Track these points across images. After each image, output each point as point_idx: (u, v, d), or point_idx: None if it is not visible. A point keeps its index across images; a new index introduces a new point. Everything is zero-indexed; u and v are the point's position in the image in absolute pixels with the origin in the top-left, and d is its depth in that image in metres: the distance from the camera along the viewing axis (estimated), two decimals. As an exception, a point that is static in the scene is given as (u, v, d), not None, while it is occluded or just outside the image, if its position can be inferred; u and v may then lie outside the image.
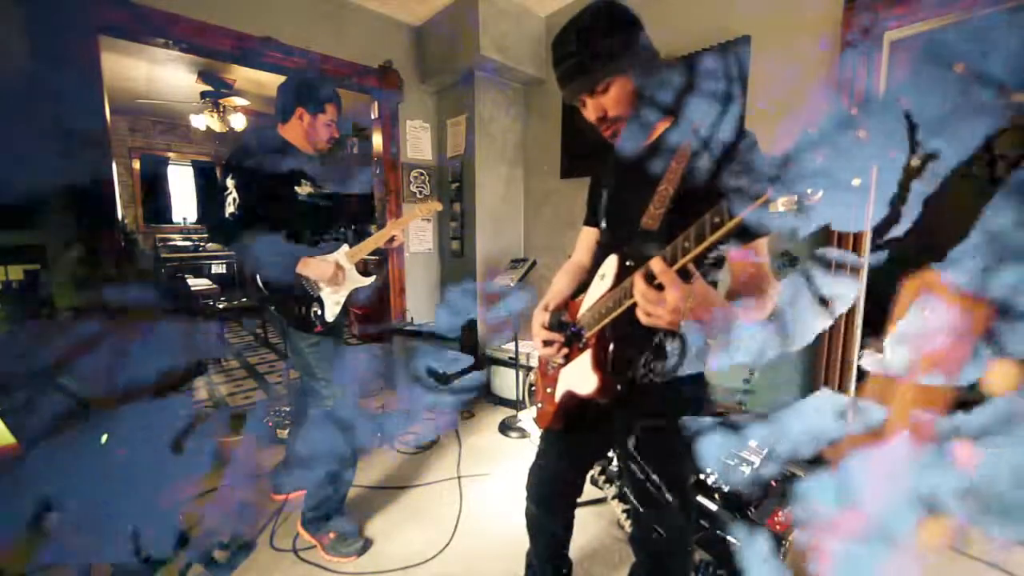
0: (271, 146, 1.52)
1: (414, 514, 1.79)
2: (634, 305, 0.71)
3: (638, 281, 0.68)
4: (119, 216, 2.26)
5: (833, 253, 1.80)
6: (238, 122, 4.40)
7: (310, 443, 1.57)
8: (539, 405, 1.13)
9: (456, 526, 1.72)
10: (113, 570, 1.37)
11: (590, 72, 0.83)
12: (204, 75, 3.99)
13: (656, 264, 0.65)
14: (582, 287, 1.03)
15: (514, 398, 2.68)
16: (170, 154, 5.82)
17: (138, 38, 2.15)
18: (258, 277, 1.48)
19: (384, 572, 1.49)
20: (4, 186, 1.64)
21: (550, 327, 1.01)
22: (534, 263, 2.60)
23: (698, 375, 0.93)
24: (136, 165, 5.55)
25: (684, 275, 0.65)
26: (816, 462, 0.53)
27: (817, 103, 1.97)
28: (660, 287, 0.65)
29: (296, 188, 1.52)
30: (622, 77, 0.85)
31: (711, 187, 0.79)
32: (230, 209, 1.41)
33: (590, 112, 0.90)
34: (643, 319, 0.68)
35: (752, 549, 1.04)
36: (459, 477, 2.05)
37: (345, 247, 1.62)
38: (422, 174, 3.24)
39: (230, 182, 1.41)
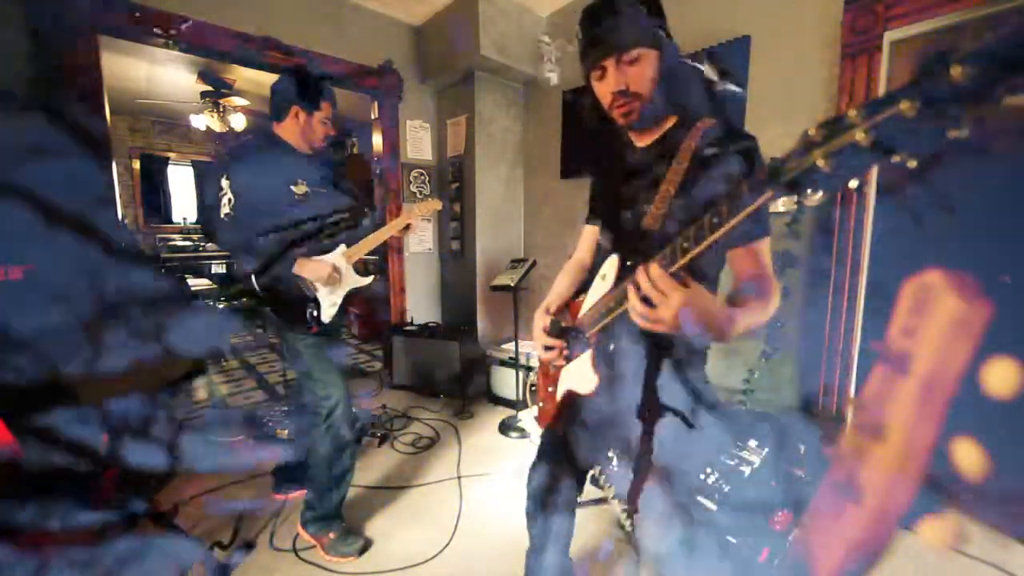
0: (266, 145, 1.52)
1: (414, 514, 1.79)
2: None
3: (630, 292, 0.68)
4: (119, 216, 2.26)
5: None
6: (238, 122, 4.40)
7: (309, 443, 1.57)
8: (540, 404, 1.13)
9: (456, 526, 1.71)
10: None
11: (628, 33, 0.80)
12: (204, 75, 3.99)
13: (642, 278, 0.66)
14: (584, 286, 1.03)
15: (514, 398, 2.68)
16: (170, 154, 5.82)
17: (138, 38, 2.15)
18: (253, 278, 1.48)
19: (384, 572, 1.49)
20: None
21: (551, 333, 1.01)
22: (534, 263, 2.60)
23: (699, 374, 0.93)
24: (136, 165, 5.55)
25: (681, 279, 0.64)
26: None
27: (817, 104, 1.96)
28: (648, 300, 0.66)
29: (292, 187, 1.52)
30: (652, 52, 0.83)
31: (711, 189, 0.79)
32: (225, 209, 1.41)
33: (610, 82, 0.85)
34: (638, 323, 0.69)
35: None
36: (459, 477, 2.05)
37: (343, 247, 1.62)
38: (422, 174, 3.24)
39: (225, 182, 1.41)
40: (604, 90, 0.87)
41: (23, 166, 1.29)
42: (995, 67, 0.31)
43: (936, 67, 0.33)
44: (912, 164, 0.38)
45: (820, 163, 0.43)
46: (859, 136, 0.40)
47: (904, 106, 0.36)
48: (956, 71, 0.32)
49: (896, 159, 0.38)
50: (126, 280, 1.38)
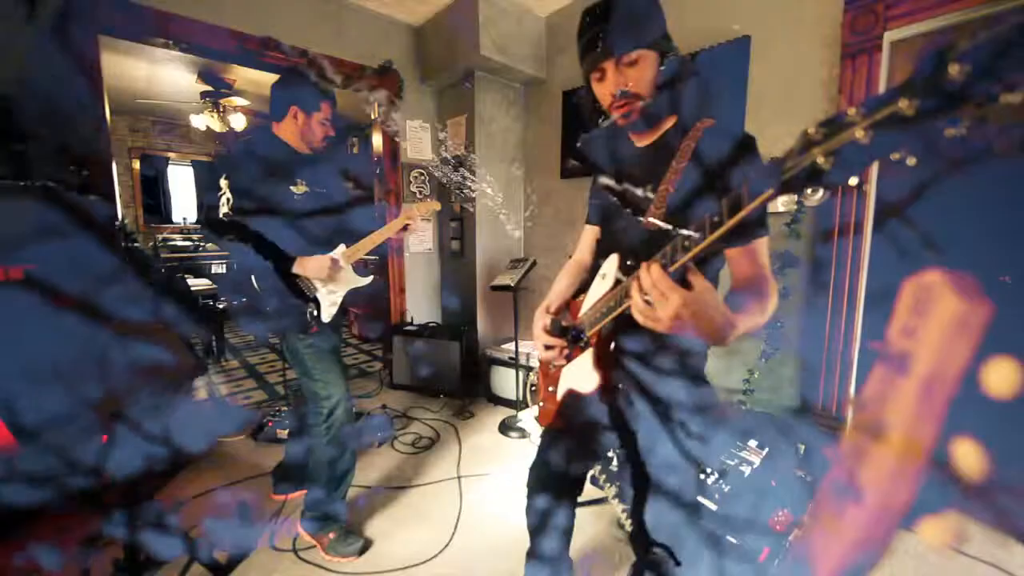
0: (266, 145, 1.52)
1: (414, 514, 1.79)
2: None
3: (633, 291, 0.68)
4: (119, 216, 2.26)
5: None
6: (238, 122, 4.40)
7: (309, 443, 1.57)
8: (541, 404, 1.13)
9: (456, 526, 1.71)
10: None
11: (627, 35, 0.81)
12: (204, 75, 3.99)
13: (644, 277, 0.65)
14: (584, 286, 1.03)
15: (514, 398, 2.68)
16: (170, 154, 5.82)
17: (138, 38, 2.15)
18: (253, 278, 1.48)
19: (384, 572, 1.49)
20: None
21: (551, 332, 1.01)
22: (534, 263, 2.60)
23: (699, 373, 0.93)
24: (136, 165, 5.54)
25: (684, 278, 0.64)
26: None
27: (817, 104, 1.97)
28: (649, 301, 0.66)
29: (291, 187, 1.52)
30: (651, 54, 0.83)
31: (711, 188, 0.79)
32: (224, 209, 1.41)
33: (609, 83, 0.86)
34: (639, 320, 0.69)
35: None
36: (459, 477, 2.05)
37: (342, 247, 1.62)
38: (422, 174, 3.24)
39: (224, 182, 1.41)
40: (604, 91, 0.88)
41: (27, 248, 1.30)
42: (992, 65, 0.31)
43: (934, 65, 0.34)
44: (912, 162, 0.38)
45: (820, 161, 0.43)
46: (858, 134, 0.40)
47: (903, 104, 0.36)
48: (954, 69, 0.33)
49: (895, 157, 0.39)
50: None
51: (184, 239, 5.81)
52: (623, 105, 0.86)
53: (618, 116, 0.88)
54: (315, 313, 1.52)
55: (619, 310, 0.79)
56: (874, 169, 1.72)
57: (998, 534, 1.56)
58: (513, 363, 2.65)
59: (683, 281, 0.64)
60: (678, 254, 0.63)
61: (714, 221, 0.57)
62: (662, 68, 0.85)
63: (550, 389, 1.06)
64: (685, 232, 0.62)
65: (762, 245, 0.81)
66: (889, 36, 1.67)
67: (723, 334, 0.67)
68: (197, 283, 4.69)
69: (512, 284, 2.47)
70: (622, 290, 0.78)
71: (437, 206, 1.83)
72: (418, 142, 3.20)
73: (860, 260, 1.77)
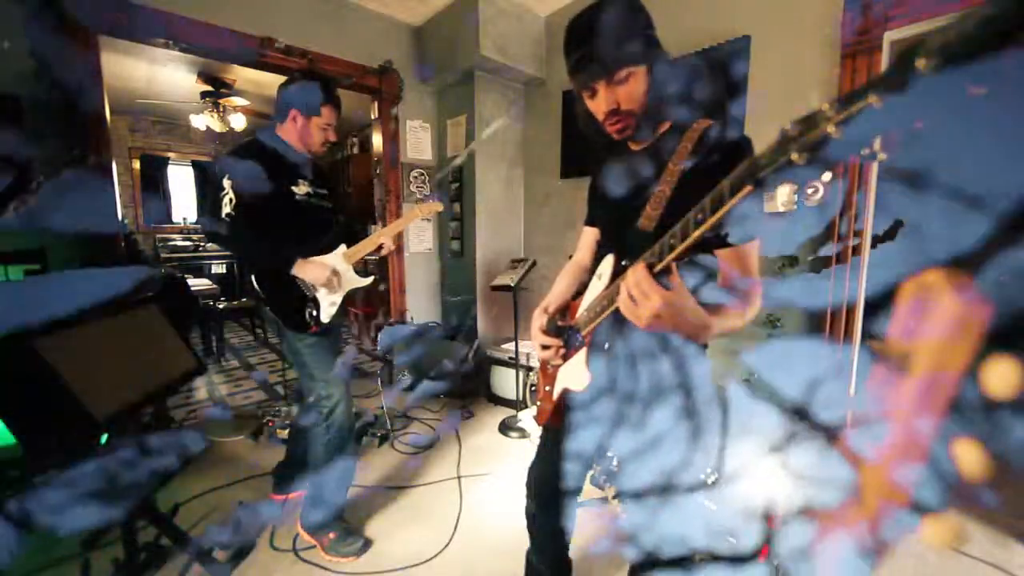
0: (268, 146, 1.52)
1: (414, 514, 1.79)
2: None
3: (622, 288, 0.70)
4: (119, 216, 2.26)
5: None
6: (238, 122, 4.40)
7: (310, 443, 1.57)
8: (539, 403, 1.13)
9: (456, 526, 1.72)
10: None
11: (615, 56, 0.80)
12: (204, 75, 3.99)
13: (630, 276, 0.67)
14: (583, 287, 1.03)
15: (514, 398, 2.68)
16: (170, 154, 5.82)
17: (138, 38, 2.15)
18: (253, 277, 1.49)
19: (384, 572, 1.49)
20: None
21: (548, 332, 1.01)
22: (534, 263, 2.60)
23: (698, 372, 0.93)
24: (136, 165, 5.54)
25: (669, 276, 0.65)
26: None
27: (817, 104, 1.96)
28: (632, 298, 0.67)
29: (293, 188, 1.52)
30: (641, 70, 0.82)
31: (706, 190, 0.79)
32: (227, 209, 1.41)
33: (601, 102, 0.85)
34: (625, 315, 0.71)
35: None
36: (459, 477, 2.05)
37: (343, 247, 1.62)
38: (422, 174, 3.24)
39: (227, 182, 1.41)
40: (596, 108, 0.88)
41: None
42: (958, 60, 0.32)
43: (903, 61, 0.34)
44: (882, 157, 0.38)
45: (795, 158, 0.44)
46: (831, 130, 0.40)
47: (872, 99, 0.37)
48: (921, 64, 0.33)
49: (866, 152, 0.39)
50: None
51: (184, 239, 5.81)
52: (617, 122, 0.86)
53: (613, 132, 0.88)
54: (314, 313, 1.52)
55: (612, 308, 0.80)
56: (874, 169, 1.72)
57: (998, 534, 1.56)
58: (513, 363, 2.65)
59: (664, 284, 0.66)
60: (665, 252, 0.64)
61: (697, 219, 0.58)
62: (654, 79, 0.84)
63: (547, 388, 1.07)
64: (671, 232, 0.63)
65: (752, 248, 0.81)
66: (889, 36, 1.67)
67: (697, 334, 0.71)
68: (197, 283, 4.68)
69: (512, 284, 2.47)
70: (614, 290, 0.79)
71: (439, 207, 1.83)
72: (418, 142, 3.20)
73: (860, 259, 1.77)
